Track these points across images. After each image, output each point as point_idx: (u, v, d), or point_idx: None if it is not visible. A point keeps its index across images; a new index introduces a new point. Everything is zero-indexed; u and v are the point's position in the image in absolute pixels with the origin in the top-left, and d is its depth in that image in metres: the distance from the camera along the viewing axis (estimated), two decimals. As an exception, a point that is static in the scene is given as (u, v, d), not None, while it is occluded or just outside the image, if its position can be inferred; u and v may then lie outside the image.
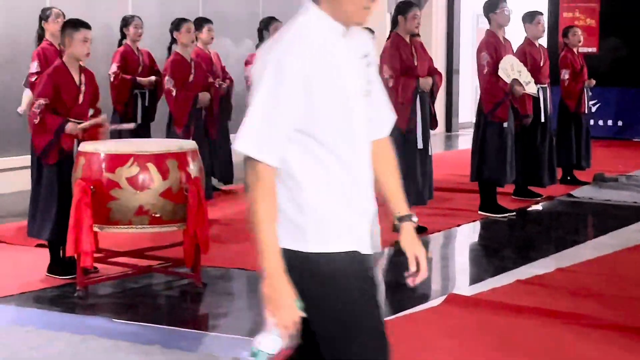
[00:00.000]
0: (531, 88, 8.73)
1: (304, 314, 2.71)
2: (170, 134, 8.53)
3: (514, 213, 8.97)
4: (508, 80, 8.55)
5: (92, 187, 5.84)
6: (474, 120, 9.27)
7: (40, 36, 8.23)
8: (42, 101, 6.21)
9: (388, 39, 7.78)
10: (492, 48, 8.65)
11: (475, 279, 6.66)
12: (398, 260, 7.17)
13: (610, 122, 15.85)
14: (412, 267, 2.92)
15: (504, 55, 8.62)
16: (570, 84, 10.49)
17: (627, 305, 5.75)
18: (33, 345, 5.08)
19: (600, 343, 5.02)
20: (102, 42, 9.95)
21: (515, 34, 9.87)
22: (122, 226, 5.93)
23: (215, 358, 4.89)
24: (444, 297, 5.82)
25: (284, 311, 2.68)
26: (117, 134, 8.40)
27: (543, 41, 10.36)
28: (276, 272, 2.69)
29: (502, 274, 6.56)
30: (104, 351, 4.96)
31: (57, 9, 8.34)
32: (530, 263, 6.95)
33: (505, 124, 8.71)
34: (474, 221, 8.65)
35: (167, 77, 8.47)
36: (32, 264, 6.72)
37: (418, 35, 7.80)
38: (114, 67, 9.13)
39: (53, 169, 6.26)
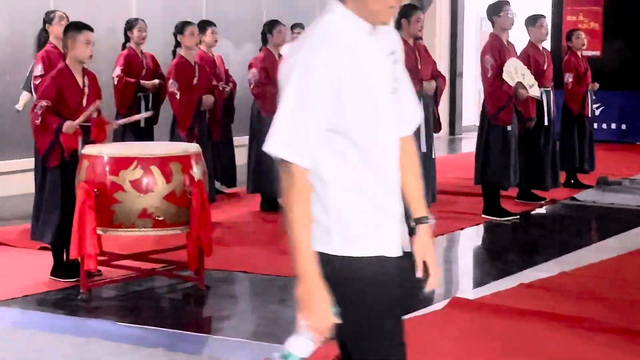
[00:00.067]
0: (534, 91, 8.73)
1: (338, 320, 2.67)
2: (174, 137, 8.54)
3: (518, 216, 8.97)
4: (512, 84, 8.55)
5: (95, 190, 5.84)
6: (477, 124, 9.27)
7: (45, 39, 8.25)
8: (43, 103, 6.21)
9: (392, 42, 7.76)
10: (496, 51, 8.65)
11: (478, 282, 6.65)
12: (401, 265, 7.17)
13: (613, 126, 15.84)
14: (418, 273, 2.90)
15: (508, 59, 8.63)
16: (573, 87, 10.48)
17: (631, 308, 5.74)
18: (37, 347, 5.08)
19: (605, 346, 5.01)
20: (106, 45, 9.97)
21: (518, 38, 9.86)
22: (125, 229, 5.94)
23: (218, 361, 4.90)
24: (447, 301, 5.81)
25: (318, 316, 2.65)
26: (130, 130, 8.44)
27: (547, 44, 10.35)
28: (311, 276, 2.65)
29: (506, 277, 6.56)
30: (107, 354, 4.96)
31: (61, 12, 8.36)
32: (534, 266, 6.94)
33: (509, 127, 8.71)
34: (477, 224, 8.65)
35: (171, 80, 8.48)
36: (35, 267, 6.72)
37: (421, 38, 7.80)
38: (117, 71, 9.14)
39: (57, 171, 6.27)
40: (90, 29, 6.36)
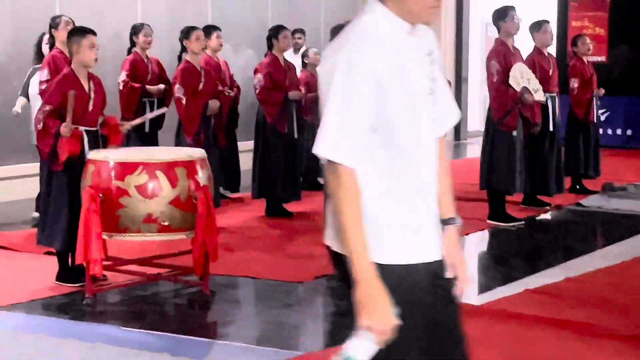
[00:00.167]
0: (539, 96, 8.73)
1: (399, 321, 2.64)
2: (179, 142, 8.55)
3: (523, 222, 8.96)
4: (518, 89, 8.55)
5: (101, 195, 5.85)
6: (482, 129, 9.27)
7: (51, 44, 8.26)
8: (47, 107, 6.22)
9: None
10: (502, 56, 8.66)
11: (483, 288, 6.64)
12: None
13: (619, 131, 15.83)
14: (450, 275, 2.87)
15: (514, 64, 8.63)
16: (579, 93, 10.47)
17: (637, 314, 5.73)
18: (42, 352, 5.09)
19: (610, 353, 5.00)
20: (111, 50, 9.98)
21: (523, 43, 9.86)
22: (130, 234, 5.94)
23: (223, 366, 4.90)
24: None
25: (379, 317, 2.61)
26: (135, 135, 8.45)
27: (552, 50, 10.36)
28: (368, 277, 2.62)
29: (511, 283, 6.55)
30: (112, 359, 4.96)
31: (67, 17, 8.37)
32: (539, 272, 6.94)
33: (514, 133, 8.71)
34: (482, 230, 8.64)
35: (177, 85, 8.49)
36: (40, 272, 6.73)
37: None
38: (123, 76, 9.15)
39: (63, 176, 6.27)
40: (93, 33, 6.37)
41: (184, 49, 8.73)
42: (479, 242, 8.43)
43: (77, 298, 6.12)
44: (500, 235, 8.54)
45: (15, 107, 8.79)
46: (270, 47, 9.10)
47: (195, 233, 5.98)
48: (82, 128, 6.27)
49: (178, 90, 8.46)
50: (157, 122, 9.32)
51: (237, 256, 7.36)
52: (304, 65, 10.59)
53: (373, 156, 2.67)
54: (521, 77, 8.60)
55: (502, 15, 8.72)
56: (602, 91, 10.68)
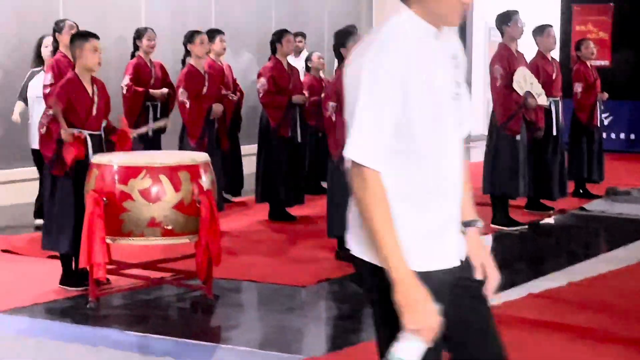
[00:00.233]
0: (542, 100, 8.73)
1: (443, 317, 2.62)
2: (183, 146, 8.55)
3: (526, 226, 8.95)
4: (522, 93, 8.56)
5: (104, 198, 5.86)
6: (486, 133, 9.27)
7: (55, 47, 8.28)
8: (50, 112, 6.23)
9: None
10: (505, 61, 8.66)
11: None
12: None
13: (622, 136, 15.82)
14: (479, 276, 2.87)
15: (517, 68, 8.63)
16: (582, 97, 10.47)
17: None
18: (45, 356, 5.10)
19: (613, 357, 5.00)
20: (115, 54, 10.00)
21: (527, 48, 9.86)
22: (134, 238, 5.94)
23: (226, 370, 4.90)
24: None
25: (424, 316, 2.59)
26: (138, 139, 8.45)
27: (556, 54, 10.36)
28: (406, 277, 2.59)
29: (514, 287, 6.54)
30: (115, 363, 4.97)
31: (71, 21, 8.38)
32: (542, 276, 6.93)
33: (517, 137, 8.70)
34: (485, 234, 8.63)
35: (181, 89, 8.50)
36: (44, 275, 6.74)
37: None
38: (126, 80, 9.16)
39: (67, 181, 6.27)
40: (96, 36, 6.38)
41: (187, 53, 8.74)
42: (482, 246, 8.40)
43: (81, 302, 6.12)
44: (504, 240, 8.53)
45: (13, 115, 8.80)
46: (273, 51, 9.11)
47: (199, 237, 5.98)
48: (85, 132, 6.27)
49: (182, 94, 8.47)
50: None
51: (241, 260, 7.36)
52: (308, 69, 10.60)
53: (394, 160, 2.65)
54: (524, 82, 8.60)
55: (505, 20, 8.73)
56: (606, 95, 10.68)
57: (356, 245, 2.77)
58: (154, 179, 5.90)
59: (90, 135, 6.30)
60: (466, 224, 2.89)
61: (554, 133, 9.39)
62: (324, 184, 9.44)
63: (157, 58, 9.56)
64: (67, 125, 6.22)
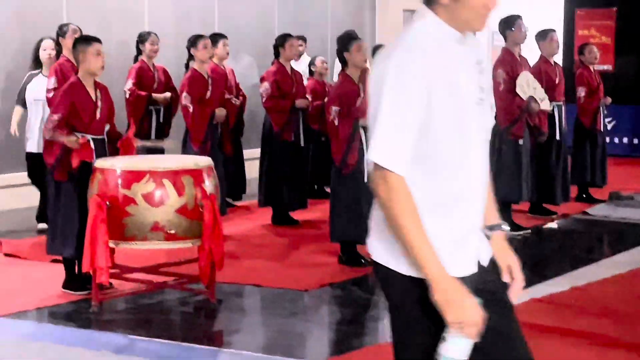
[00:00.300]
0: (545, 105, 8.73)
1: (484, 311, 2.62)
2: (186, 150, 8.56)
3: (529, 231, 8.95)
4: (525, 97, 8.55)
5: (107, 203, 5.86)
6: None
7: (58, 52, 8.30)
8: (55, 117, 6.23)
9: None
10: (508, 65, 8.66)
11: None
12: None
13: (625, 140, 15.80)
14: (506, 279, 2.86)
15: (520, 73, 8.63)
16: (586, 102, 10.46)
17: (643, 324, 5.72)
18: (48, 360, 5.10)
19: (616, 362, 5.00)
20: (118, 58, 10.00)
21: (530, 52, 9.86)
22: (137, 242, 5.95)
23: (229, 375, 4.90)
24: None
25: (466, 311, 2.59)
26: (147, 139, 8.48)
27: (559, 59, 10.35)
28: (443, 276, 2.60)
29: (517, 292, 6.53)
30: (118, 367, 4.97)
31: (74, 25, 8.40)
32: (545, 281, 6.92)
33: (520, 141, 8.70)
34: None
35: (184, 94, 8.49)
36: (47, 279, 6.74)
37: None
38: (129, 84, 9.16)
39: (71, 185, 6.27)
40: (99, 40, 6.39)
41: (191, 57, 8.74)
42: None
43: (84, 306, 6.13)
44: (507, 244, 8.50)
45: (12, 126, 8.76)
46: (276, 55, 9.12)
47: (202, 241, 5.98)
48: (89, 136, 6.28)
49: (185, 99, 8.47)
50: (163, 130, 9.34)
51: (243, 264, 7.36)
52: (311, 73, 10.60)
53: (416, 166, 2.64)
54: (527, 86, 8.60)
55: (508, 24, 8.73)
56: (609, 100, 10.67)
57: (378, 251, 2.75)
58: (157, 183, 5.90)
59: (94, 139, 6.30)
60: (491, 228, 2.87)
61: (557, 137, 9.39)
62: (327, 188, 9.44)
63: (160, 62, 9.56)
64: (70, 130, 6.22)
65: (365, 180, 7.12)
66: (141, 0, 11.36)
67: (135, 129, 6.99)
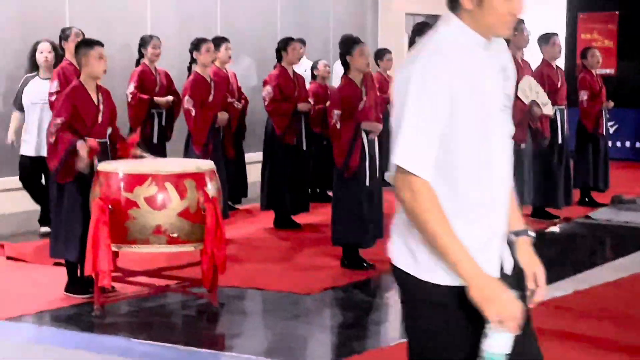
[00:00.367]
0: (548, 109, 8.73)
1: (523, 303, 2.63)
2: (188, 154, 8.56)
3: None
4: (527, 102, 8.56)
5: (110, 206, 5.86)
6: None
7: (61, 55, 8.31)
8: (58, 121, 6.24)
9: (406, 59, 7.80)
10: (511, 69, 8.65)
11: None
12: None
13: (628, 144, 15.79)
14: (531, 285, 2.86)
15: (522, 77, 8.63)
16: (588, 105, 10.45)
17: (645, 328, 5.71)
18: (50, 364, 5.09)
19: (619, 366, 4.99)
20: (120, 62, 10.00)
21: (532, 56, 9.87)
22: (139, 245, 5.95)
23: (231, 378, 4.89)
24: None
25: (505, 305, 2.60)
26: (143, 147, 8.45)
27: (561, 62, 10.35)
28: (478, 273, 2.60)
29: (520, 295, 6.53)
30: (120, 370, 4.97)
31: (77, 29, 8.41)
32: (547, 285, 6.88)
33: (522, 145, 8.70)
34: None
35: (186, 97, 8.49)
36: (49, 283, 6.74)
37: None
38: (131, 87, 9.17)
39: (74, 188, 6.27)
40: (101, 44, 6.39)
41: (193, 60, 8.75)
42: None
43: (86, 309, 6.13)
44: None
45: (9, 133, 8.71)
46: (279, 59, 9.12)
47: (204, 245, 5.98)
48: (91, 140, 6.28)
49: (188, 102, 8.47)
50: (165, 133, 9.34)
51: (246, 268, 7.36)
52: (314, 77, 10.61)
53: (439, 172, 2.64)
54: (530, 90, 8.60)
55: (511, 28, 8.73)
56: (611, 104, 10.66)
57: (397, 256, 2.75)
58: (159, 187, 5.90)
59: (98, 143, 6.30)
60: (517, 234, 2.86)
61: (559, 141, 9.39)
62: (329, 192, 9.44)
63: (162, 65, 9.56)
64: (72, 133, 6.22)
65: (367, 183, 7.14)
66: (144, 3, 11.36)
67: (139, 138, 6.97)
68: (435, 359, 2.70)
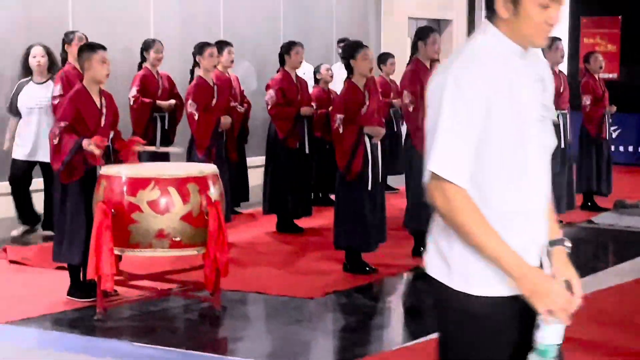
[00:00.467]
0: (550, 115, 8.72)
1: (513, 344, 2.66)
2: (191, 158, 8.56)
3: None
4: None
5: (113, 210, 5.86)
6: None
7: (64, 58, 8.31)
8: (62, 124, 6.24)
9: (408, 63, 7.81)
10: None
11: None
12: (417, 286, 7.15)
13: (631, 148, 15.78)
14: None
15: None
16: (591, 110, 10.45)
17: (648, 333, 5.71)
18: (53, 367, 5.09)
19: (622, 371, 4.98)
20: (123, 65, 10.01)
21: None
22: (142, 249, 5.95)
23: (234, 382, 4.89)
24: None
25: (554, 296, 2.62)
26: (146, 151, 8.46)
27: (564, 67, 10.34)
28: (525, 269, 2.60)
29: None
30: (123, 374, 4.97)
31: (80, 33, 8.41)
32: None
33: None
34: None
35: (190, 101, 8.49)
36: (52, 287, 6.74)
37: (438, 60, 7.81)
38: (133, 91, 9.17)
39: (77, 193, 6.26)
40: (103, 48, 6.39)
41: (196, 64, 8.75)
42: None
43: (89, 313, 6.13)
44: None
45: (6, 140, 8.70)
46: (282, 63, 9.13)
47: (207, 249, 5.98)
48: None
49: (191, 106, 8.47)
50: (169, 137, 9.34)
51: (248, 272, 7.36)
52: (316, 81, 10.62)
53: (474, 179, 2.63)
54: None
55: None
56: (614, 108, 10.66)
57: (432, 266, 2.74)
58: (162, 191, 5.91)
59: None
60: (553, 243, 2.84)
61: (562, 146, 9.38)
62: (332, 196, 9.45)
63: (165, 69, 9.57)
64: (77, 136, 6.22)
65: (370, 187, 7.14)
66: (147, 7, 11.38)
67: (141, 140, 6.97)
68: None
